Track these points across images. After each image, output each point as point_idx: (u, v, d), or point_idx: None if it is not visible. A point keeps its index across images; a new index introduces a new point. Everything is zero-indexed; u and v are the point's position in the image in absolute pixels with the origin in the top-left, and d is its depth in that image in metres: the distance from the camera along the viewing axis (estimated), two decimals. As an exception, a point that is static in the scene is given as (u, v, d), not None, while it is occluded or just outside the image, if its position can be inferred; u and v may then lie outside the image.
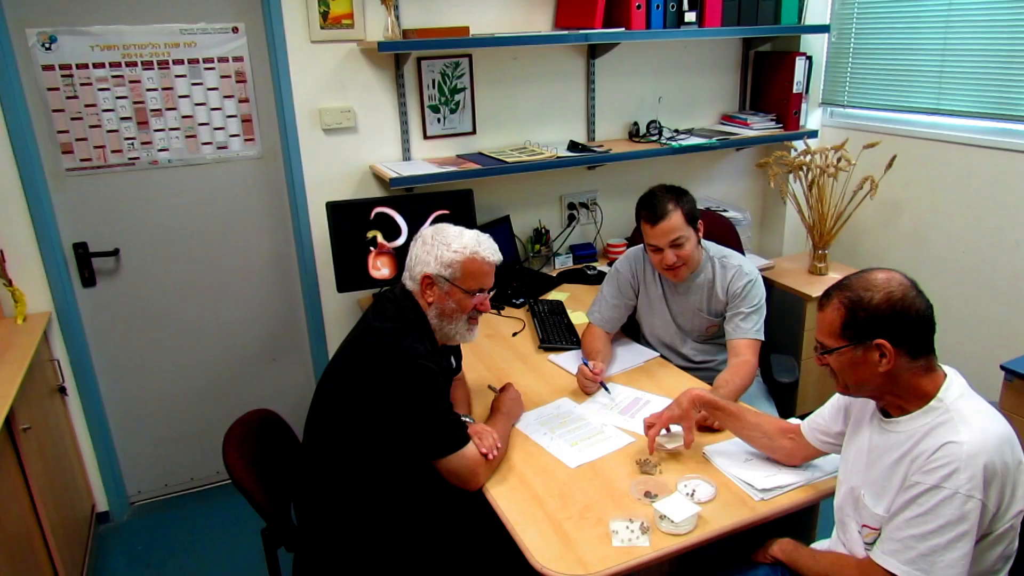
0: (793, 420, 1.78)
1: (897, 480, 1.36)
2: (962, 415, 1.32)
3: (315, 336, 2.98)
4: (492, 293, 1.86)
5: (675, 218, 2.12)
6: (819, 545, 1.62)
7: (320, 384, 1.83)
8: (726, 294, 2.23)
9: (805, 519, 1.82)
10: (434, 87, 2.86)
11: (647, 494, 1.66)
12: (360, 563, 1.77)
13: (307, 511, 1.82)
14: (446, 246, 1.77)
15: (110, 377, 2.77)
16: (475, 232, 1.83)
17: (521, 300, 2.83)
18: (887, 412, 1.44)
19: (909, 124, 3.13)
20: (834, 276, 3.25)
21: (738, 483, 1.70)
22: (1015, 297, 2.84)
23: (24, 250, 2.47)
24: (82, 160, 2.53)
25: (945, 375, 1.39)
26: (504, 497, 1.70)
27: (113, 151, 2.56)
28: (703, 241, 2.29)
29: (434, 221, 2.71)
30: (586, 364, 2.11)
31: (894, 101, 3.15)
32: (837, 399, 1.64)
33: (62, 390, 2.58)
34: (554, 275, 3.11)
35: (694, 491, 1.67)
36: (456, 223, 2.75)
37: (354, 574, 1.77)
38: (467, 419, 1.87)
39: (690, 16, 2.92)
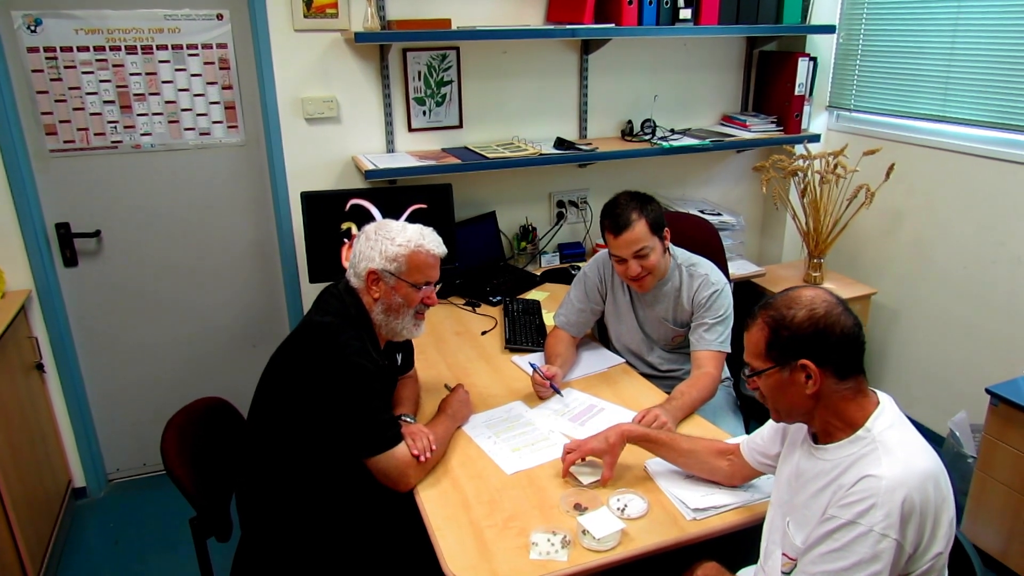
0: (733, 440, 1.72)
1: (818, 510, 1.30)
2: (887, 447, 1.25)
3: (294, 324, 2.97)
4: (439, 287, 1.84)
5: (639, 228, 2.05)
6: (745, 573, 1.56)
7: (262, 376, 1.82)
8: (691, 304, 2.17)
9: (754, 541, 1.76)
10: (420, 79, 2.84)
11: (576, 507, 1.62)
12: (290, 555, 1.76)
13: (245, 501, 1.82)
14: (390, 240, 1.75)
15: (90, 356, 2.82)
16: (418, 225, 1.81)
17: (498, 298, 2.79)
18: (817, 438, 1.38)
19: (914, 131, 3.01)
20: (829, 286, 3.14)
21: (673, 500, 1.65)
22: (1013, 315, 2.71)
23: (5, 228, 2.51)
24: (65, 142, 2.57)
25: (878, 402, 1.32)
26: (432, 500, 1.68)
27: (96, 134, 2.59)
28: (672, 248, 2.22)
29: (410, 215, 2.70)
30: (535, 368, 2.07)
31: (900, 107, 3.03)
32: (775, 419, 1.58)
33: (39, 367, 2.63)
34: (538, 274, 3.07)
35: (625, 506, 1.62)
36: (434, 218, 2.76)
37: (285, 565, 1.77)
38: (408, 419, 1.85)
39: (685, 13, 2.83)
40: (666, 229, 2.13)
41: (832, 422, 1.32)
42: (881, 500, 1.19)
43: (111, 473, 3.00)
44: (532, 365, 2.09)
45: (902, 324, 3.18)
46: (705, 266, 2.20)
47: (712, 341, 2.11)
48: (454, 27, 2.67)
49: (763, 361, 1.33)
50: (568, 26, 2.73)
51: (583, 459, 1.73)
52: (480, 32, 2.62)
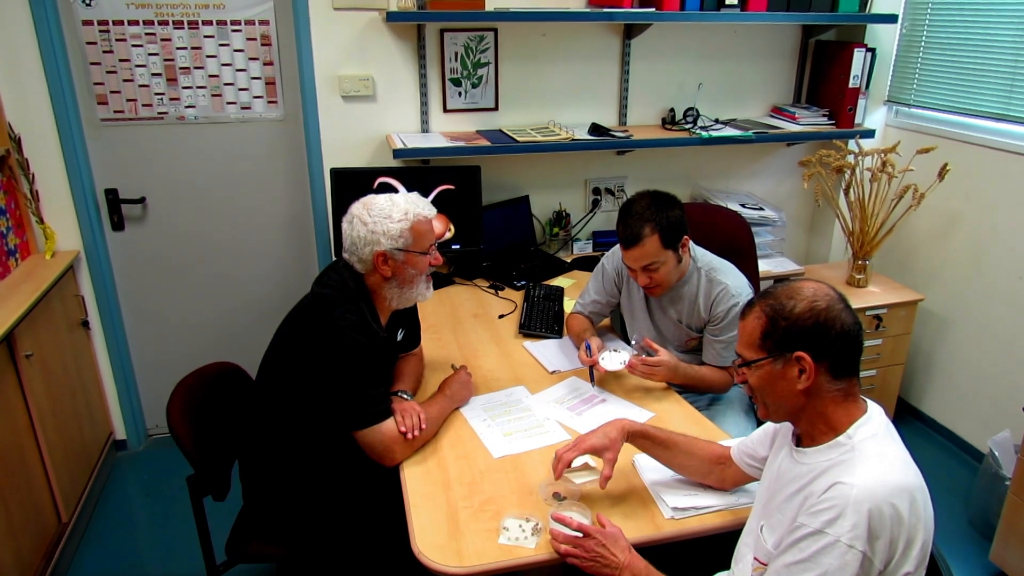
0: (729, 442, 1.67)
1: (789, 515, 1.26)
2: (864, 456, 1.20)
3: (326, 298, 3.06)
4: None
5: (649, 245, 1.96)
6: (719, 577, 1.52)
7: (268, 346, 1.88)
8: (708, 312, 2.09)
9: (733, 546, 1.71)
10: (456, 60, 2.84)
11: (555, 495, 1.62)
12: (288, 524, 1.83)
13: (247, 467, 1.89)
14: (388, 219, 1.76)
15: (134, 316, 2.97)
16: (403, 194, 1.83)
17: (523, 282, 2.78)
18: (800, 441, 1.33)
19: (976, 130, 2.81)
20: (873, 290, 3.00)
21: (654, 496, 1.62)
22: (1069, 334, 2.52)
23: (58, 192, 2.66)
24: (115, 111, 2.70)
25: (866, 410, 1.26)
26: (416, 477, 1.70)
27: (144, 105, 2.71)
28: (694, 248, 2.13)
29: (437, 196, 2.71)
30: (587, 346, 2.05)
31: (962, 104, 2.84)
32: (768, 423, 1.52)
33: (85, 324, 2.79)
34: (568, 260, 3.04)
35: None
36: (462, 199, 2.76)
37: (282, 533, 1.84)
38: (404, 395, 1.87)
39: (731, -1, 2.73)
40: (685, 236, 2.03)
41: (817, 424, 1.28)
42: (849, 510, 1.14)
43: (151, 428, 3.16)
44: (587, 344, 2.06)
45: (950, 334, 3.00)
46: (727, 274, 2.09)
47: (728, 358, 2.05)
48: (490, 8, 2.66)
49: (756, 351, 1.29)
50: (606, 10, 2.67)
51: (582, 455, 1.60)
52: (515, 14, 2.60)
